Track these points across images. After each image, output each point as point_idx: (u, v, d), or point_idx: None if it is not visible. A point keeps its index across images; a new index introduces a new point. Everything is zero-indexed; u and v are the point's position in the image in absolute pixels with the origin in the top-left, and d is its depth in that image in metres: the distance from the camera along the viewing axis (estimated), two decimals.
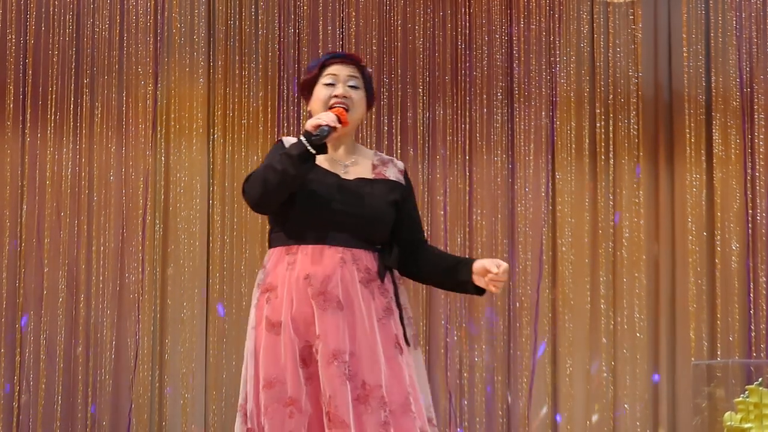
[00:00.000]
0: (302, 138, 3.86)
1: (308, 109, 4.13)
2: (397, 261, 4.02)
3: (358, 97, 4.04)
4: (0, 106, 6.92)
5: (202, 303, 7.08)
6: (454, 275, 4.03)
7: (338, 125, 3.85)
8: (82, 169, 7.00)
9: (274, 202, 3.89)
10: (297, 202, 3.91)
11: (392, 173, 4.08)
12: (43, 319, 6.85)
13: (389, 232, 4.01)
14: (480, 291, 4.03)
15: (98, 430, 6.88)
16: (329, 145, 3.98)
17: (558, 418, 7.49)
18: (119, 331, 6.96)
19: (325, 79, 4.04)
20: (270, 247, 4.01)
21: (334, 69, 4.05)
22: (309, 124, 3.86)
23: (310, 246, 3.91)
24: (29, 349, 6.81)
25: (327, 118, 3.86)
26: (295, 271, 3.90)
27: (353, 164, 4.05)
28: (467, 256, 7.65)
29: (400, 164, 4.15)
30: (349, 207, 3.95)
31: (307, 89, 4.12)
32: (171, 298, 7.08)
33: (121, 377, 6.92)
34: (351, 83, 4.04)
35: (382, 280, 3.97)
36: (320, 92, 4.04)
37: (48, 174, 6.95)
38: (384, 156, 4.15)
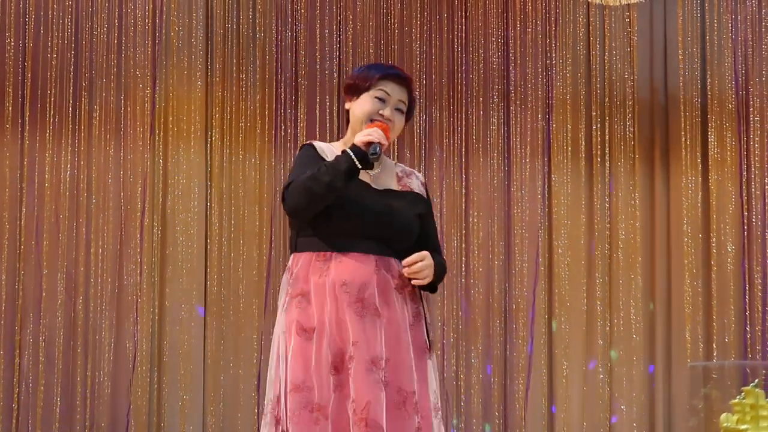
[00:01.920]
0: (350, 152, 3.80)
1: (346, 107, 4.07)
2: None
3: (399, 122, 3.99)
4: (0, 110, 6.93)
5: (200, 304, 7.07)
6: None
7: (385, 142, 3.83)
8: (81, 172, 6.97)
9: (314, 211, 3.83)
10: (332, 210, 3.86)
11: (416, 185, 4.07)
12: (42, 320, 6.79)
13: (413, 242, 3.99)
14: (427, 287, 4.00)
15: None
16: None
17: (555, 419, 7.51)
18: (118, 332, 6.93)
19: (377, 92, 3.97)
20: (296, 251, 3.94)
21: (389, 87, 3.98)
22: (359, 141, 3.81)
23: (343, 254, 3.87)
24: (28, 351, 6.78)
25: (378, 135, 3.82)
26: (330, 277, 3.85)
27: (380, 174, 3.99)
28: (464, 258, 7.37)
29: (422, 177, 4.15)
30: (381, 217, 3.90)
31: (355, 91, 4.03)
32: (169, 299, 7.06)
33: (119, 379, 6.89)
34: (398, 107, 3.98)
35: (414, 287, 3.94)
36: (368, 103, 3.97)
37: (47, 176, 6.93)
38: (406, 168, 4.11)
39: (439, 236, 6.94)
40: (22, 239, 6.89)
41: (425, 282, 3.93)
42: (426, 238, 4.03)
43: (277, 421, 3.85)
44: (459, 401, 7.38)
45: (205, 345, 7.08)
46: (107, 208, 7.00)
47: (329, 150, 4.01)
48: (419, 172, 7.11)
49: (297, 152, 4.14)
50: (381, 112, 3.97)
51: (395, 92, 4.00)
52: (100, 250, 6.94)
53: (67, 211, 6.94)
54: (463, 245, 7.45)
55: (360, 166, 3.82)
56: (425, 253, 3.92)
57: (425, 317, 4.01)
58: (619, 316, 7.57)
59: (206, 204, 7.17)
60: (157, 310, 7.04)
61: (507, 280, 7.49)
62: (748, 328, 7.57)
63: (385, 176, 4.04)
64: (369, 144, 3.83)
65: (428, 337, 3.97)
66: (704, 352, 7.53)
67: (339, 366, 3.80)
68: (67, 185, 6.95)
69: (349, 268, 3.86)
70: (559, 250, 7.55)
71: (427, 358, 3.94)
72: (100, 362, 6.88)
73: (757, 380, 6.35)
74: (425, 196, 4.13)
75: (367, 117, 3.97)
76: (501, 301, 7.46)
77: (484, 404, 7.42)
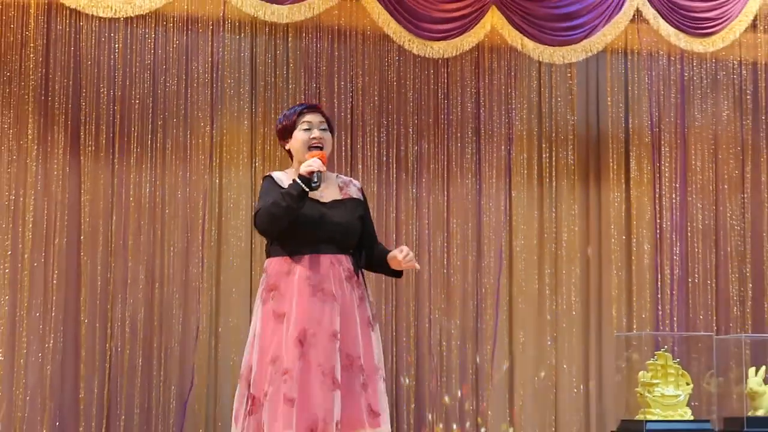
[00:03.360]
0: (298, 180, 3.93)
1: (287, 147, 4.14)
2: (364, 261, 4.15)
3: (328, 137, 4.11)
4: (95, 141, 6.99)
5: (246, 289, 7.15)
6: (383, 266, 4.15)
7: (324, 168, 3.97)
8: (157, 189, 7.08)
9: (279, 229, 3.96)
10: (293, 224, 3.97)
11: (354, 192, 4.17)
12: (127, 301, 6.93)
13: (357, 239, 4.12)
14: (397, 273, 4.14)
15: (168, 386, 6.96)
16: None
17: (514, 375, 7.65)
18: (185, 310, 7.02)
19: (302, 125, 4.08)
20: (270, 256, 4.06)
21: (308, 117, 4.10)
22: (304, 170, 3.94)
23: (306, 256, 3.98)
24: (117, 323, 6.90)
25: (316, 164, 3.95)
26: (296, 275, 3.96)
27: (325, 189, 4.08)
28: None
29: (358, 183, 4.22)
30: (330, 225, 4.02)
31: (287, 133, 4.13)
32: (223, 285, 7.16)
33: (186, 346, 7.00)
34: (322, 127, 4.10)
35: (358, 277, 4.09)
36: (300, 135, 4.08)
37: (131, 192, 7.04)
38: (344, 177, 4.20)
39: (423, 233, 6.74)
40: (113, 239, 6.97)
41: (414, 267, 4.05)
42: (366, 233, 4.15)
43: (248, 384, 3.97)
44: (441, 363, 7.41)
45: (250, 319, 6.37)
46: (177, 217, 7.09)
47: (284, 177, 4.08)
48: (412, 188, 7.48)
49: (262, 183, 4.17)
50: (312, 136, 4.05)
51: (314, 118, 4.10)
52: (172, 248, 7.06)
53: (147, 218, 7.04)
54: (445, 245, 7.52)
55: (307, 190, 3.91)
56: (403, 246, 4.07)
57: (368, 299, 4.09)
58: (562, 298, 7.71)
59: (251, 213, 6.74)
60: (214, 294, 7.13)
61: (478, 271, 7.54)
62: (659, 308, 7.75)
63: (329, 190, 4.10)
64: (311, 173, 3.90)
65: (371, 315, 4.07)
66: (627, 325, 7.73)
67: (303, 341, 3.90)
68: (147, 199, 7.05)
69: (311, 267, 3.96)
70: (517, 249, 7.68)
71: (371, 330, 4.06)
72: (171, 332, 6.99)
73: (666, 347, 7.05)
74: (362, 198, 4.16)
75: (305, 146, 4.04)
76: (473, 287, 7.54)
77: (460, 365, 7.47)
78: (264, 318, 3.99)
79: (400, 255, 4.02)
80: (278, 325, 3.94)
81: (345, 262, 4.06)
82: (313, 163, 3.94)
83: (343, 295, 4.00)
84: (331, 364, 3.89)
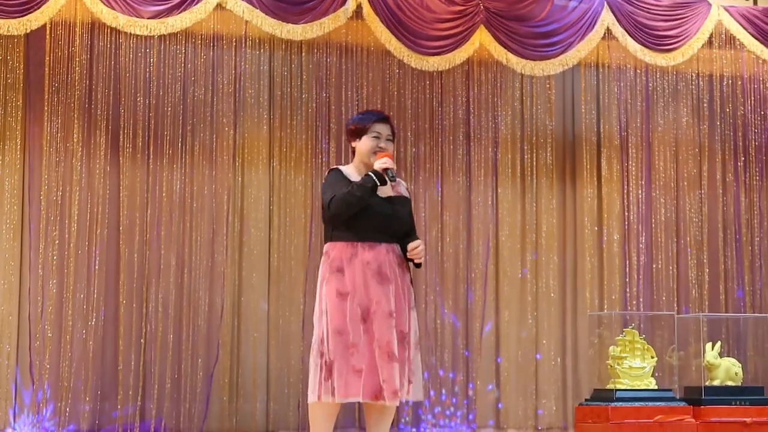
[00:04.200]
0: (372, 175, 4.19)
1: (353, 145, 4.36)
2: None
3: (391, 148, 4.39)
4: (132, 144, 7.19)
5: (265, 274, 7.37)
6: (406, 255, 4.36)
7: (395, 166, 4.28)
8: (186, 186, 7.27)
9: (349, 215, 4.17)
10: (356, 213, 4.21)
11: (403, 190, 4.47)
12: (160, 284, 7.14)
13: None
14: (416, 264, 4.34)
15: (196, 359, 7.14)
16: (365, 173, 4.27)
17: (500, 350, 7.88)
18: (211, 292, 7.20)
19: (373, 132, 4.31)
20: (332, 241, 4.25)
21: (379, 127, 4.34)
22: (379, 167, 4.22)
23: (367, 242, 4.21)
24: (152, 304, 7.11)
25: (389, 163, 4.24)
26: (358, 259, 4.17)
27: (381, 186, 4.33)
28: (439, 243, 7.54)
29: (404, 183, 4.53)
30: (387, 217, 4.26)
31: (357, 134, 4.33)
32: (245, 271, 7.35)
33: (212, 322, 7.19)
34: (388, 138, 4.36)
35: (406, 263, 4.35)
36: (369, 141, 4.31)
37: (164, 189, 7.24)
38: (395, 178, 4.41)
39: (420, 224, 7.19)
40: (148, 230, 7.17)
41: (422, 259, 4.26)
42: (410, 224, 4.42)
43: (321, 354, 4.18)
44: (437, 338, 7.66)
45: (269, 300, 7.34)
46: (203, 210, 7.27)
47: (350, 171, 4.34)
48: (410, 185, 7.56)
49: (327, 174, 4.37)
50: (380, 145, 4.29)
51: (384, 129, 4.32)
52: (199, 238, 7.25)
53: (177, 211, 7.23)
54: (439, 235, 7.71)
55: (379, 184, 4.21)
56: (419, 240, 4.27)
57: (411, 282, 4.37)
58: (542, 282, 7.93)
59: (269, 207, 7.44)
60: (236, 278, 7.31)
61: (468, 258, 7.74)
62: (627, 290, 7.98)
63: (384, 188, 4.33)
64: (386, 170, 4.20)
65: (413, 299, 4.34)
66: (598, 305, 7.96)
67: (366, 317, 4.13)
68: (177, 194, 7.24)
69: (371, 253, 4.17)
70: (503, 238, 7.89)
71: (412, 308, 4.32)
72: (199, 311, 7.18)
73: (633, 324, 7.19)
74: (408, 197, 4.43)
75: (371, 151, 4.28)
76: (464, 272, 7.74)
77: (453, 341, 7.71)
78: (329, 296, 4.17)
79: (410, 246, 4.27)
80: (342, 303, 4.13)
81: (397, 250, 4.30)
82: (387, 161, 4.23)
83: (396, 278, 4.20)
84: (388, 339, 4.08)
